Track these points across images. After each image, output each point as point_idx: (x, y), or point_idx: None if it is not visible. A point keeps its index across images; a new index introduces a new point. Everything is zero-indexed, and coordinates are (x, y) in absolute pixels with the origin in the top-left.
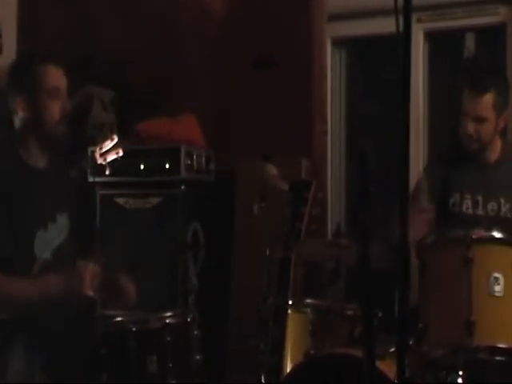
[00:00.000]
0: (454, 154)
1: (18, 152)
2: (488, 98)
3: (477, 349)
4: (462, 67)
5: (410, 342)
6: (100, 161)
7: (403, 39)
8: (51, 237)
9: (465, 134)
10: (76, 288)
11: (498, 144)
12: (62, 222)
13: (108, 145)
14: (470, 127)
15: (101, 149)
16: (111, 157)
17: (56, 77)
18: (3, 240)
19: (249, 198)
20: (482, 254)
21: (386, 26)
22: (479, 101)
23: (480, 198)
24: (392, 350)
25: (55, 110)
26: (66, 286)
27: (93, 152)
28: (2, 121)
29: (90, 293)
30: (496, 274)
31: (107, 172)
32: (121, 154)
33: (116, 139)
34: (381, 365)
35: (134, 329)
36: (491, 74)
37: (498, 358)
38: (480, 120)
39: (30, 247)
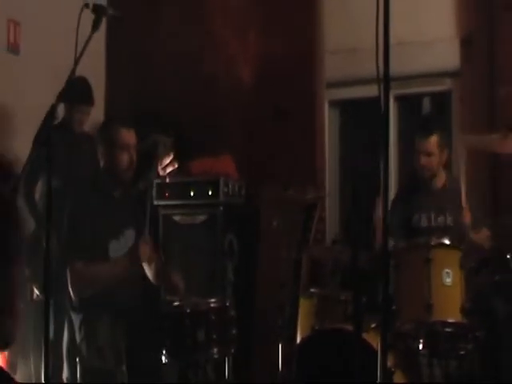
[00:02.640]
0: (412, 184)
1: (99, 185)
2: (434, 139)
3: (433, 323)
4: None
5: None
6: (161, 172)
7: (384, 101)
8: (121, 245)
9: (419, 165)
10: (136, 259)
11: (442, 175)
12: (129, 234)
13: (167, 160)
14: (422, 160)
15: (161, 164)
16: (169, 169)
17: (127, 137)
18: (86, 243)
19: (270, 215)
20: (438, 256)
21: (369, 91)
22: (428, 140)
23: (432, 215)
24: (373, 325)
25: (124, 161)
26: (130, 259)
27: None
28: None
29: (145, 262)
30: (447, 270)
31: (167, 194)
32: (176, 166)
33: (172, 155)
34: (365, 336)
35: (187, 310)
36: (436, 122)
37: (448, 329)
38: (429, 154)
39: (106, 251)
